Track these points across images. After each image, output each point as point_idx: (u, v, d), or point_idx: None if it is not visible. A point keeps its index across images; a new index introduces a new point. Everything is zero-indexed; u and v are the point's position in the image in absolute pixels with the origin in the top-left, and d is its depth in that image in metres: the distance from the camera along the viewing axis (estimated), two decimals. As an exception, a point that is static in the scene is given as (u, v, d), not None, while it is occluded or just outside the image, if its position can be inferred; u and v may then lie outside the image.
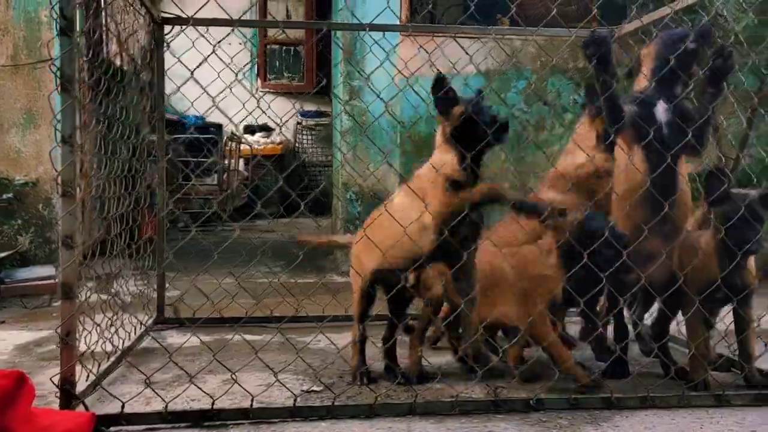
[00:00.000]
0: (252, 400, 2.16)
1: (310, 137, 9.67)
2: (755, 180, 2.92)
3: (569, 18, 2.88)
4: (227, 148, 8.32)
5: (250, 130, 9.04)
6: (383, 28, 3.41)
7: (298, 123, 9.58)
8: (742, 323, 2.51)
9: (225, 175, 8.20)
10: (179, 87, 2.38)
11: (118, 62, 7.36)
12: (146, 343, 3.13)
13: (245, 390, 2.22)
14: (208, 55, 2.36)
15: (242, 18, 2.76)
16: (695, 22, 3.17)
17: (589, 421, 2.20)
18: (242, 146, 8.62)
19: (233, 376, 2.24)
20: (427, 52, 2.62)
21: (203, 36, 2.44)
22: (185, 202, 7.79)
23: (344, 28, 3.60)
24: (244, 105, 2.63)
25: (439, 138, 2.52)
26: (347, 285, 2.78)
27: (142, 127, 8.08)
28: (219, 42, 2.46)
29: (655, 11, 3.20)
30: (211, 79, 2.41)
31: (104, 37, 6.18)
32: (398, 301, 2.65)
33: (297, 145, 9.73)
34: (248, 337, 3.19)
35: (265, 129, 9.28)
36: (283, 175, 2.78)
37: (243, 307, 3.03)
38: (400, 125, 4.93)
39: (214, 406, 2.13)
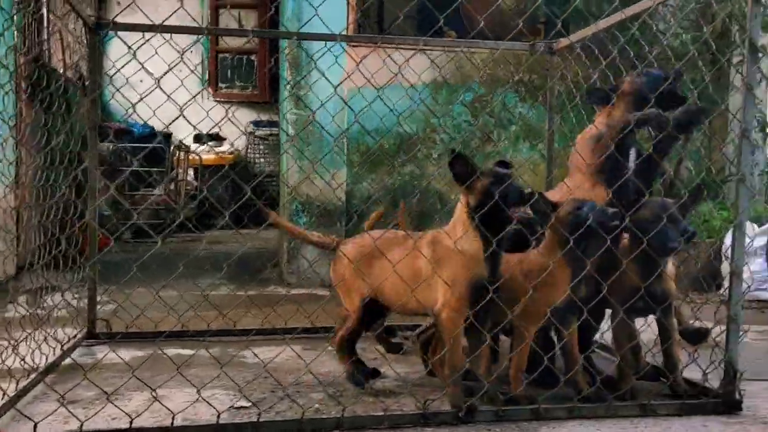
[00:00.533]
0: (173, 418, 2.09)
1: (262, 147, 9.58)
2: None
3: (512, 31, 2.90)
4: (175, 157, 8.18)
5: (200, 139, 8.90)
6: (350, 38, 3.41)
7: (251, 133, 9.48)
8: (665, 333, 2.56)
9: (172, 185, 8.05)
10: (115, 91, 2.33)
11: (61, 69, 7.22)
12: (73, 359, 3.02)
13: (166, 407, 2.16)
14: (144, 62, 2.32)
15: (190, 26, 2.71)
16: (631, 37, 3.25)
17: (516, 433, 2.21)
18: (191, 156, 8.49)
19: (154, 393, 2.17)
20: (385, 60, 2.59)
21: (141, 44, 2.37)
22: (130, 213, 7.60)
23: (311, 38, 3.54)
24: (182, 112, 2.56)
25: (459, 211, 2.39)
26: (293, 297, 2.77)
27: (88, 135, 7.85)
28: (157, 48, 2.42)
29: (589, 26, 3.25)
30: (162, 86, 2.35)
31: (42, 42, 6.03)
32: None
33: (249, 155, 9.63)
34: (182, 351, 3.12)
35: (216, 138, 9.16)
36: (224, 182, 2.72)
37: (182, 320, 2.96)
38: (344, 134, 4.92)
39: (134, 425, 2.06)
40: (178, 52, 2.41)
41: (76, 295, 3.37)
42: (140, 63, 2.32)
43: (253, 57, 10.00)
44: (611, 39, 3.10)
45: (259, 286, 4.96)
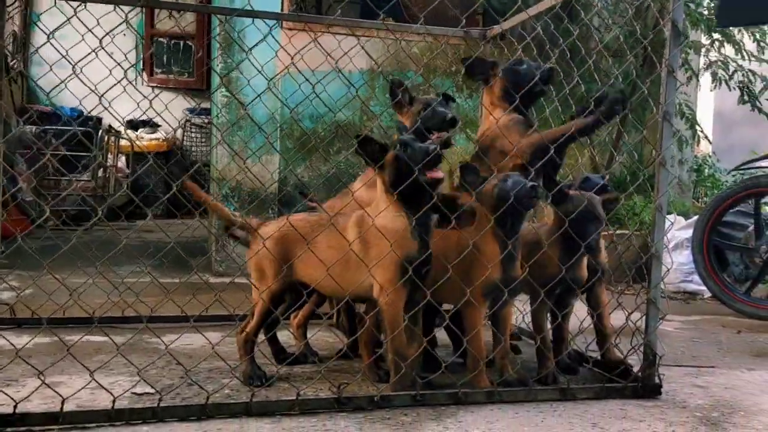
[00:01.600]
0: (62, 402, 1.93)
1: (198, 135, 9.30)
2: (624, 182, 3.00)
3: (452, 18, 2.84)
4: (105, 143, 7.85)
5: (133, 125, 8.57)
6: (282, 17, 3.21)
7: (187, 120, 9.20)
8: (597, 306, 2.62)
9: (101, 171, 7.72)
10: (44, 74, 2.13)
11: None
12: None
13: (55, 392, 1.99)
14: (76, 43, 2.14)
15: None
16: (564, 28, 3.23)
17: (433, 417, 2.13)
18: (123, 141, 8.17)
19: (41, 377, 2.00)
20: (318, 42, 2.46)
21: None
22: (57, 200, 7.24)
23: (243, 15, 3.34)
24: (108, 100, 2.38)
25: (379, 191, 2.30)
26: (217, 285, 2.63)
27: (10, 118, 7.44)
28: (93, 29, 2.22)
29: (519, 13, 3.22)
30: (92, 69, 2.17)
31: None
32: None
33: (185, 142, 9.34)
34: (92, 338, 2.93)
35: (150, 125, 8.84)
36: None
37: (95, 307, 2.80)
38: (281, 120, 4.78)
39: (19, 410, 1.89)
40: (104, 31, 2.23)
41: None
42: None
43: (190, 42, 9.70)
44: (545, 29, 3.07)
45: (184, 274, 4.76)
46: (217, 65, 4.97)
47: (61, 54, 2.18)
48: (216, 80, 5.27)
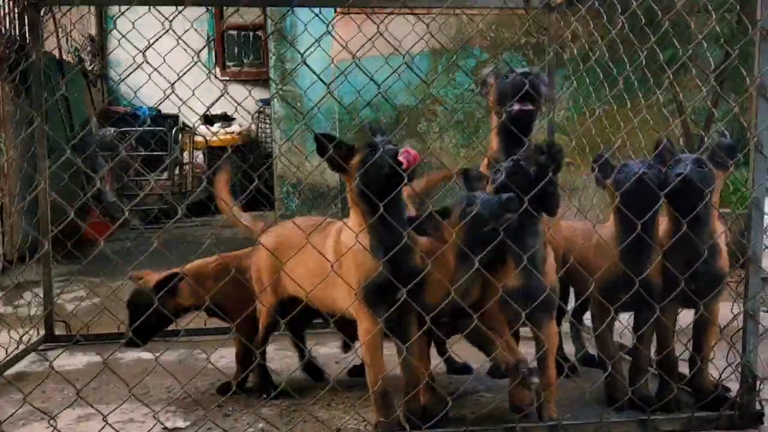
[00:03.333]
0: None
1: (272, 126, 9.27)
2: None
3: None
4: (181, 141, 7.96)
5: (208, 120, 8.63)
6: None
7: (260, 111, 9.17)
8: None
9: (177, 169, 7.83)
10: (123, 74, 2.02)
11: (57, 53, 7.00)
12: (24, 365, 2.81)
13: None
14: (154, 41, 1.99)
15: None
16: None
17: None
18: (198, 138, 8.25)
19: (53, 421, 1.88)
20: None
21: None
22: (137, 200, 7.41)
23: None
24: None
25: (349, 198, 2.04)
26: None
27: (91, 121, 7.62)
28: (170, 25, 2.08)
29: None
30: (167, 68, 2.09)
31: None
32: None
33: (259, 134, 9.34)
34: (143, 355, 2.83)
35: (225, 119, 8.88)
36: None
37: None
38: (340, 112, 4.57)
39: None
40: (174, 33, 2.08)
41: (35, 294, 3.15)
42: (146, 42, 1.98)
43: (260, 33, 9.66)
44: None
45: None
46: (272, 58, 4.81)
47: (140, 57, 2.04)
48: (273, 75, 5.11)
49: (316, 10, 2.79)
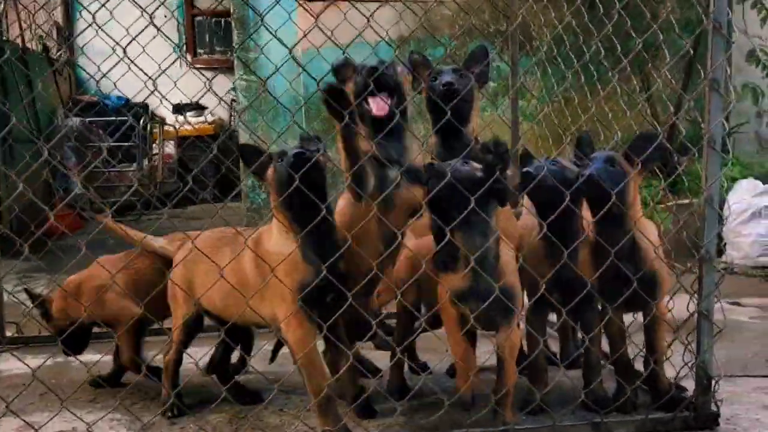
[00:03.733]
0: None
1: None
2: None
3: None
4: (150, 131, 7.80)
5: (179, 109, 8.45)
6: None
7: (233, 100, 9.01)
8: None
9: (146, 159, 7.67)
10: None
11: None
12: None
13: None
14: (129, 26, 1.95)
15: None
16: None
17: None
18: (168, 128, 8.08)
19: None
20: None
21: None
22: (105, 191, 7.25)
23: None
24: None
25: (272, 205, 2.00)
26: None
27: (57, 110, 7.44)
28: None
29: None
30: (136, 55, 1.96)
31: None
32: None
33: (232, 123, 9.18)
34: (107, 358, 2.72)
35: (197, 108, 8.70)
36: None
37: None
38: (302, 101, 4.46)
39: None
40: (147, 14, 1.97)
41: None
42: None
43: (230, 19, 9.46)
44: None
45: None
46: (233, 47, 4.69)
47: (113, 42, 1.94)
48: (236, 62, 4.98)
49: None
